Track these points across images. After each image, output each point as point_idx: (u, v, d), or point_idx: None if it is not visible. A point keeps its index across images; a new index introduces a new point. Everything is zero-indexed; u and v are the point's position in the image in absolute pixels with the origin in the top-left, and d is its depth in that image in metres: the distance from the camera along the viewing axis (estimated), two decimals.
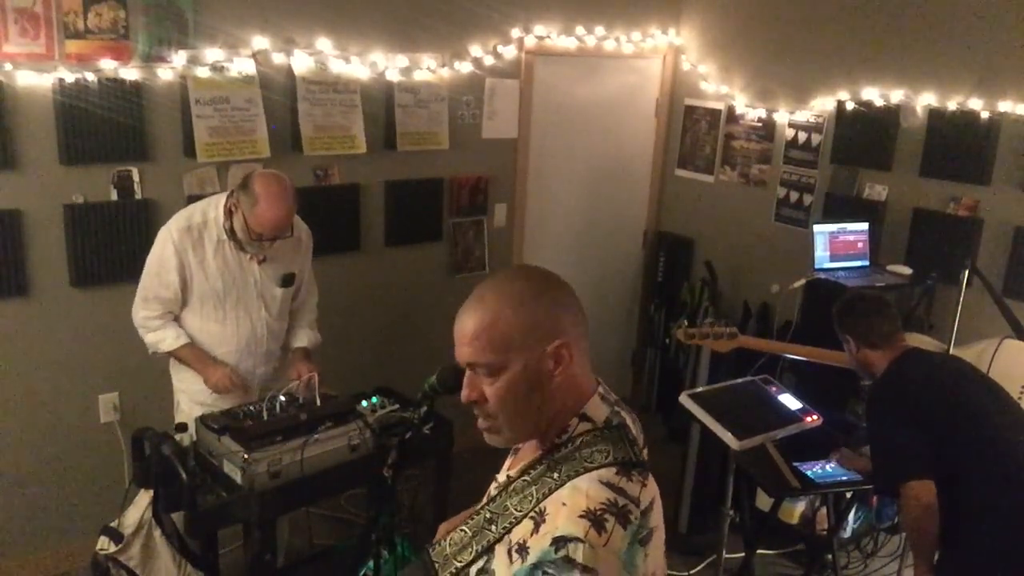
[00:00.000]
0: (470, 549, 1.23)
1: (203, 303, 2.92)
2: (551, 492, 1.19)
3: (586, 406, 1.27)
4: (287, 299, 3.09)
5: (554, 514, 1.15)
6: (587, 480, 1.18)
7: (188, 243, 2.82)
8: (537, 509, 1.18)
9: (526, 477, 1.24)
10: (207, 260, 2.86)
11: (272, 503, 2.56)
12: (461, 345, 1.25)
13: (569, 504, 1.15)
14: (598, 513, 1.14)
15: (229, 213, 2.83)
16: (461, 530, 1.25)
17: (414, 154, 4.11)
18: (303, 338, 3.20)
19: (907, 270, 4.00)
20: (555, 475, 1.20)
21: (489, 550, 1.21)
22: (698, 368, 3.67)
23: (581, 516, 1.14)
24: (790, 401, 3.12)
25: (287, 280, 3.05)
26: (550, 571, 1.11)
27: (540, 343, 1.23)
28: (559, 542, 1.12)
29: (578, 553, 1.11)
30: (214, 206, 2.87)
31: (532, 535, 1.17)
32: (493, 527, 1.22)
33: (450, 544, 1.26)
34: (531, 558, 1.14)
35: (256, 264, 2.94)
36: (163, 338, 2.90)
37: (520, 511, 1.20)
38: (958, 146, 3.85)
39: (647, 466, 1.26)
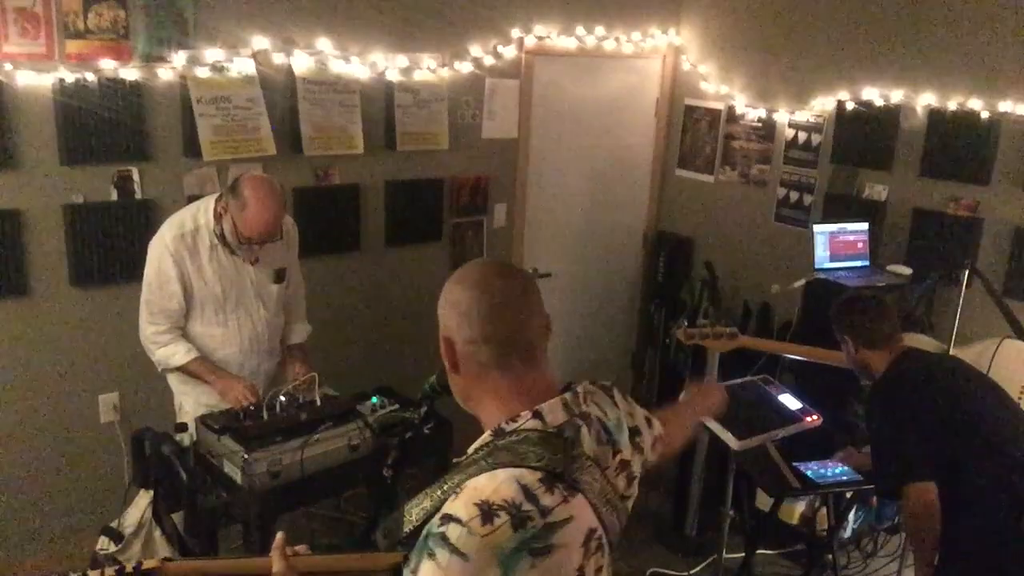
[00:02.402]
0: (422, 511, 1.25)
1: (204, 308, 2.92)
2: (478, 473, 1.20)
3: (543, 404, 1.27)
4: (281, 294, 3.10)
5: (461, 493, 1.18)
6: (506, 474, 1.18)
7: (184, 251, 2.81)
8: (462, 486, 1.20)
9: (475, 455, 1.26)
10: (203, 266, 2.86)
11: (272, 503, 2.56)
12: None
13: (476, 488, 1.17)
14: (493, 507, 1.14)
15: (219, 217, 2.82)
16: (425, 494, 1.27)
17: (414, 154, 4.11)
18: (297, 333, 3.21)
19: (907, 270, 4.00)
20: (490, 459, 1.21)
21: (431, 516, 1.22)
22: (706, 369, 3.66)
23: (476, 503, 1.14)
24: (790, 401, 3.13)
25: (280, 276, 3.05)
26: (430, 544, 1.14)
27: (442, 331, 1.36)
28: (445, 519, 1.15)
29: (453, 534, 1.13)
30: (203, 211, 2.85)
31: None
32: (439, 494, 1.24)
33: (415, 506, 1.27)
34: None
35: (250, 265, 2.94)
36: (174, 353, 2.88)
37: (455, 485, 1.22)
38: (958, 146, 3.85)
39: (581, 486, 1.22)
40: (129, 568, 1.45)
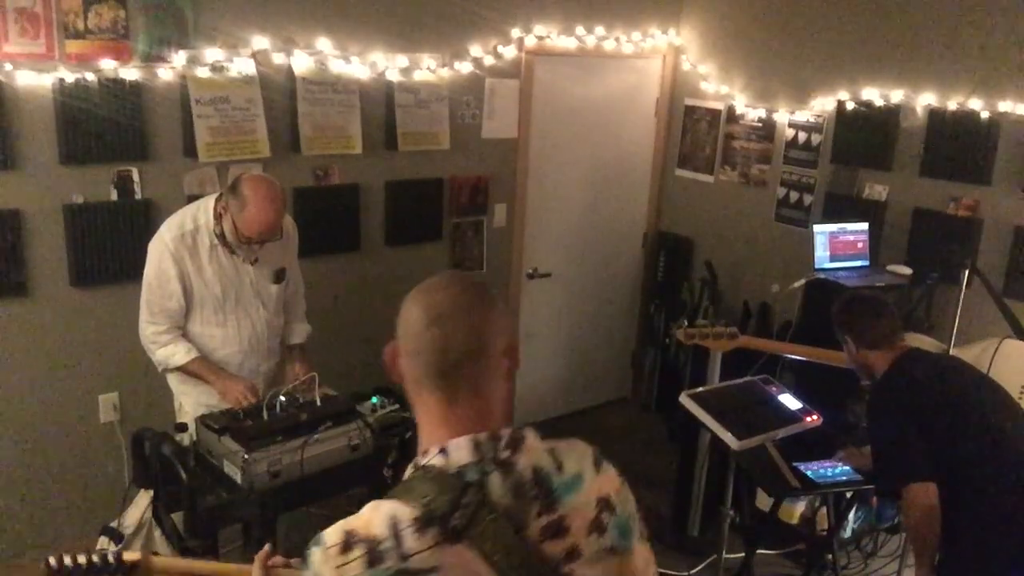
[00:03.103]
0: None
1: (203, 308, 2.91)
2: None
3: (451, 442, 1.17)
4: (281, 294, 3.09)
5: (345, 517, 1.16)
6: (387, 506, 1.14)
7: (184, 251, 2.81)
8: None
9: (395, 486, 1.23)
10: (203, 266, 2.85)
11: (272, 503, 2.56)
12: None
13: (355, 516, 1.15)
14: (355, 538, 1.12)
15: (218, 217, 2.81)
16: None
17: (414, 154, 4.11)
18: (297, 334, 3.21)
19: (907, 270, 4.00)
20: (394, 487, 1.19)
21: None
22: (708, 369, 3.66)
23: (344, 531, 1.13)
24: (790, 401, 3.13)
25: (279, 276, 3.05)
26: (305, 555, 1.15)
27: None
28: (315, 539, 1.15)
29: (315, 556, 1.13)
30: (203, 211, 2.85)
31: None
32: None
33: None
34: None
35: (250, 265, 2.93)
36: (174, 353, 2.88)
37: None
38: (958, 146, 3.85)
39: (467, 535, 1.10)
40: (110, 558, 1.44)
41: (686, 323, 3.62)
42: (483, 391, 1.22)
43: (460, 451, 1.17)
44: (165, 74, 3.32)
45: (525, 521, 1.14)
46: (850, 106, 4.22)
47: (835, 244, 4.10)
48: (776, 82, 4.56)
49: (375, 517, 1.13)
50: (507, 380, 1.26)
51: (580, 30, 4.52)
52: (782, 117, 4.56)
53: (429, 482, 1.14)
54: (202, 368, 2.90)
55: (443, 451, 1.17)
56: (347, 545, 1.11)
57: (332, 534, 1.13)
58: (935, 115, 3.93)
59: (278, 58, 3.57)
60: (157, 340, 2.88)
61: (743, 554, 3.36)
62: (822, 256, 4.08)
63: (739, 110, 4.74)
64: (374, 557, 1.09)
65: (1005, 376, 2.97)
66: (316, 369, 2.93)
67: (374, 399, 2.96)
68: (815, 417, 3.05)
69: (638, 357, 5.46)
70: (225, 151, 3.49)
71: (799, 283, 4.06)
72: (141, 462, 2.69)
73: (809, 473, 3.08)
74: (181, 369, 2.91)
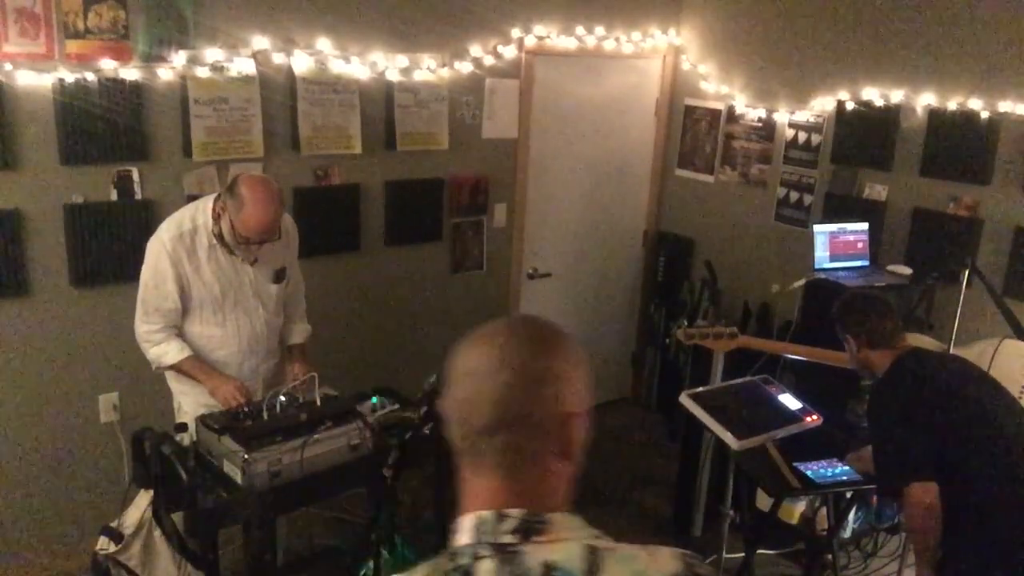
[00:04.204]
0: None
1: (202, 309, 2.91)
2: None
3: (464, 517, 1.03)
4: (281, 294, 3.09)
5: None
6: None
7: (182, 251, 2.80)
8: None
9: None
10: (202, 266, 2.85)
11: (272, 503, 2.56)
12: None
13: None
14: None
15: (217, 217, 2.81)
16: None
17: (414, 154, 4.11)
18: (297, 334, 3.21)
19: (907, 270, 4.00)
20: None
21: None
22: (711, 369, 3.66)
23: None
24: (790, 401, 3.12)
25: (279, 276, 3.05)
26: None
27: None
28: None
29: None
30: (202, 211, 2.84)
31: None
32: None
33: None
34: None
35: (249, 265, 2.93)
36: (166, 351, 2.87)
37: None
38: (958, 146, 3.85)
39: None
40: None
41: (686, 323, 3.63)
42: (515, 467, 1.03)
43: (462, 529, 1.03)
44: (165, 74, 3.32)
45: None
46: (850, 106, 4.22)
47: (835, 244, 4.09)
48: (776, 82, 4.56)
49: None
50: (560, 458, 1.05)
51: (580, 30, 4.52)
52: (782, 117, 4.56)
53: (433, 559, 1.03)
54: (193, 367, 2.90)
55: (457, 527, 1.04)
56: None
57: None
58: (935, 115, 3.92)
59: (278, 58, 3.57)
60: (150, 339, 2.88)
61: (743, 554, 3.36)
62: (822, 256, 4.08)
63: (739, 110, 4.74)
64: None
65: (1005, 376, 2.96)
66: (316, 369, 2.94)
67: (374, 399, 2.97)
68: (815, 417, 3.05)
69: (638, 357, 5.46)
70: (220, 151, 3.50)
71: (799, 283, 4.06)
72: (141, 462, 2.69)
73: (809, 473, 3.08)
74: (173, 368, 2.91)
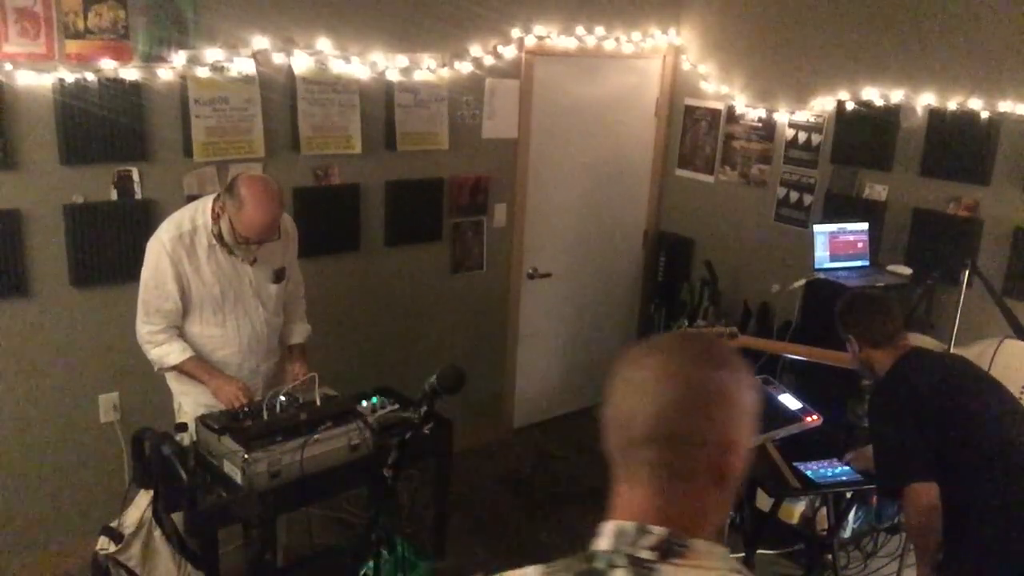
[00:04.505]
0: None
1: (202, 309, 2.91)
2: None
3: (608, 523, 1.05)
4: (281, 293, 3.09)
5: None
6: (533, 568, 1.10)
7: (182, 251, 2.80)
8: None
9: None
10: (202, 267, 2.85)
11: (272, 503, 2.56)
12: None
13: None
14: None
15: (216, 217, 2.81)
16: None
17: (414, 154, 4.11)
18: (297, 334, 3.21)
19: (907, 270, 4.00)
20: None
21: None
22: None
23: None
24: (790, 401, 3.12)
25: (279, 276, 3.05)
26: None
27: None
28: None
29: None
30: (201, 211, 2.84)
31: None
32: None
33: None
34: None
35: (248, 265, 2.93)
36: (168, 352, 2.87)
37: None
38: (958, 146, 3.85)
39: None
40: None
41: (686, 323, 3.63)
42: (666, 484, 1.02)
43: (603, 535, 1.03)
44: (165, 74, 3.32)
45: None
46: (850, 106, 4.22)
47: (835, 244, 4.10)
48: (776, 82, 4.56)
49: (522, 571, 1.09)
50: (715, 484, 1.03)
51: (580, 30, 4.52)
52: (782, 117, 4.56)
53: (570, 558, 1.05)
54: (196, 368, 2.90)
55: (599, 531, 1.05)
56: None
57: None
58: (935, 115, 3.93)
59: (278, 58, 3.57)
60: (152, 340, 2.88)
61: (743, 554, 3.36)
62: (822, 256, 4.08)
63: (739, 110, 4.74)
64: None
65: (1005, 376, 2.96)
66: (316, 369, 2.94)
67: (374, 399, 2.97)
68: (815, 417, 3.05)
69: None
70: (220, 151, 3.50)
71: (799, 283, 4.06)
72: (141, 462, 2.70)
73: (809, 473, 3.08)
74: (175, 368, 2.91)
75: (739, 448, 1.04)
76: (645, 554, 0.99)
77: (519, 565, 1.12)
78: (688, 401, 1.01)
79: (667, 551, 0.99)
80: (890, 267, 4.07)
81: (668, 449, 1.01)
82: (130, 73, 3.24)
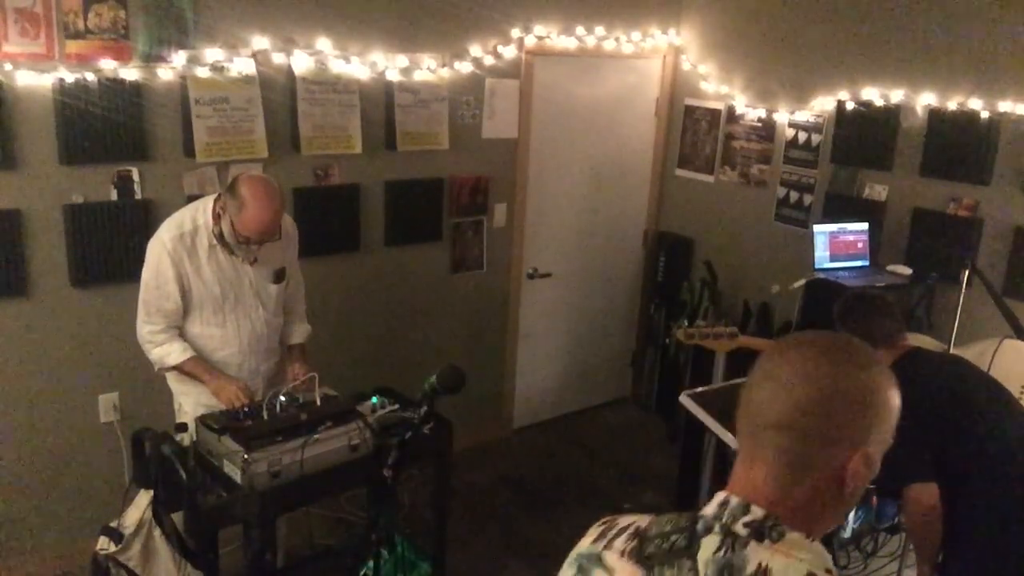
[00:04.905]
0: None
1: (202, 309, 2.91)
2: None
3: (721, 493, 1.10)
4: (281, 294, 3.10)
5: None
6: (634, 517, 1.18)
7: (182, 251, 2.80)
8: None
9: None
10: (202, 267, 2.85)
11: (272, 503, 2.56)
12: None
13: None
14: (609, 521, 1.19)
15: (217, 217, 2.81)
16: None
17: (414, 154, 4.11)
18: (297, 334, 3.21)
19: (907, 270, 4.00)
20: None
21: None
22: (713, 369, 3.66)
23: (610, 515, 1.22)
24: None
25: (279, 276, 3.05)
26: None
27: None
28: None
29: None
30: (202, 211, 2.85)
31: None
32: None
33: None
34: None
35: (249, 265, 2.93)
36: (169, 352, 2.87)
37: None
38: (958, 146, 3.85)
39: (646, 565, 1.08)
40: None
41: (686, 323, 3.62)
42: (784, 471, 1.05)
43: (712, 502, 1.09)
44: (165, 74, 3.32)
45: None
46: (850, 106, 4.22)
47: (835, 244, 4.10)
48: (776, 82, 4.56)
49: (630, 518, 1.15)
50: (834, 483, 1.05)
51: (580, 30, 4.52)
52: (782, 117, 4.56)
53: (677, 514, 1.11)
54: (197, 368, 2.90)
55: (714, 501, 1.10)
56: (604, 522, 1.17)
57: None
58: (935, 115, 3.93)
59: (278, 58, 3.57)
60: (153, 340, 2.88)
61: None
62: (822, 256, 4.08)
63: (739, 110, 4.74)
64: (593, 536, 1.15)
65: (1005, 376, 2.96)
66: (316, 369, 2.94)
67: (374, 399, 2.97)
68: None
69: (638, 357, 5.46)
70: (222, 151, 3.50)
71: (799, 283, 4.06)
72: (141, 462, 2.70)
73: None
74: (176, 368, 2.91)
75: (868, 456, 1.06)
76: (740, 529, 1.03)
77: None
78: (827, 399, 1.04)
79: (762, 532, 1.02)
80: (890, 267, 4.07)
81: (796, 440, 1.04)
82: (130, 73, 3.24)
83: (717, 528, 1.04)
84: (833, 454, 1.04)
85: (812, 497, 1.05)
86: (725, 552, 1.02)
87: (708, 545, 1.03)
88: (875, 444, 1.07)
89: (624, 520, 1.15)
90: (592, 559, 1.13)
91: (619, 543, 1.11)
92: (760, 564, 1.00)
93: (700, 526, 1.06)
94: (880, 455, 1.09)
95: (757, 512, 1.04)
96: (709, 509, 1.08)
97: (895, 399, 1.11)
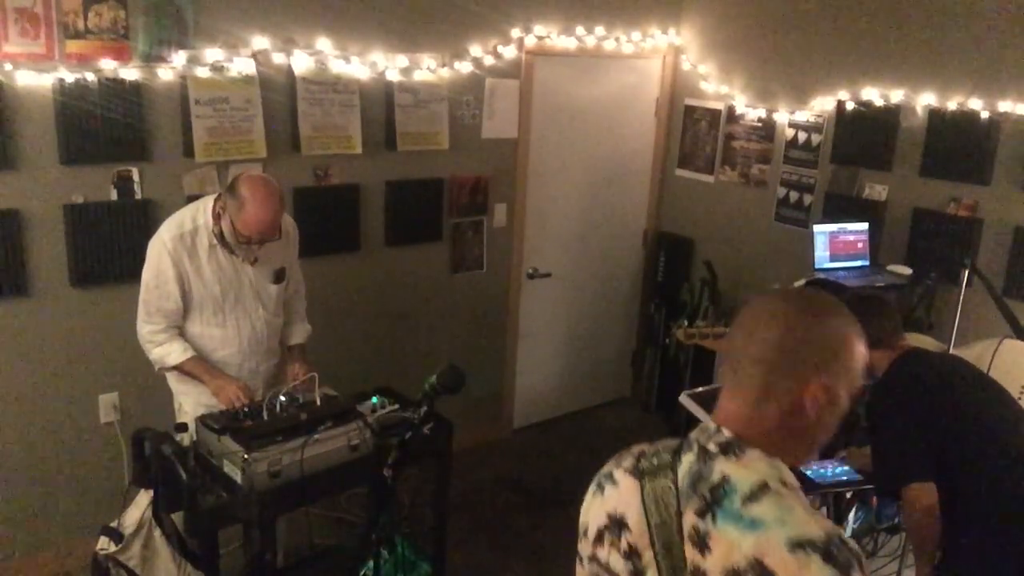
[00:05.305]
0: None
1: (202, 309, 2.91)
2: None
3: (706, 419, 1.32)
4: (281, 294, 3.10)
5: None
6: (646, 446, 1.40)
7: (183, 251, 2.80)
8: None
9: None
10: (202, 266, 2.85)
11: (272, 503, 2.56)
12: None
13: None
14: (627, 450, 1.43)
15: (217, 217, 2.81)
16: None
17: (414, 154, 4.11)
18: (298, 334, 3.21)
19: (907, 270, 4.00)
20: None
21: None
22: (711, 369, 3.66)
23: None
24: None
25: (279, 276, 3.05)
26: None
27: None
28: None
29: None
30: (202, 211, 2.85)
31: None
32: None
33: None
34: None
35: (249, 265, 2.93)
36: (169, 352, 2.88)
37: None
38: (958, 146, 3.85)
39: (639, 478, 1.30)
40: None
41: (686, 323, 3.63)
42: (754, 399, 1.24)
43: (698, 428, 1.30)
44: (165, 74, 3.32)
45: (683, 508, 1.23)
46: (850, 106, 4.22)
47: (835, 244, 4.10)
48: (776, 82, 4.56)
49: (641, 445, 1.38)
50: (790, 412, 1.23)
51: (580, 30, 4.52)
52: (782, 117, 4.56)
53: (672, 439, 1.34)
54: (197, 368, 2.90)
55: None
56: (623, 450, 1.40)
57: None
58: (935, 115, 3.93)
59: (278, 58, 3.57)
60: (153, 339, 2.88)
61: None
62: (822, 256, 4.08)
63: (739, 110, 4.74)
64: (613, 460, 1.40)
65: (1005, 376, 2.96)
66: (316, 369, 2.94)
67: (374, 399, 2.97)
68: None
69: (638, 357, 5.46)
70: (221, 151, 3.50)
71: (799, 283, 4.06)
72: (141, 462, 2.70)
73: (809, 473, 3.07)
74: (176, 368, 2.91)
75: (827, 387, 1.23)
76: (711, 447, 1.24)
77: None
78: (786, 335, 1.23)
79: (727, 449, 1.23)
80: (890, 267, 4.07)
81: (762, 372, 1.23)
82: (130, 73, 3.24)
83: (695, 447, 1.26)
84: (793, 383, 1.22)
85: (778, 423, 1.23)
86: (697, 463, 1.23)
87: (686, 461, 1.25)
88: (835, 378, 1.24)
89: (637, 447, 1.37)
90: (607, 476, 1.37)
91: (626, 463, 1.35)
92: (723, 473, 1.20)
93: (684, 446, 1.28)
94: (846, 392, 1.26)
95: (727, 434, 1.24)
96: (694, 433, 1.29)
97: (854, 340, 1.28)
